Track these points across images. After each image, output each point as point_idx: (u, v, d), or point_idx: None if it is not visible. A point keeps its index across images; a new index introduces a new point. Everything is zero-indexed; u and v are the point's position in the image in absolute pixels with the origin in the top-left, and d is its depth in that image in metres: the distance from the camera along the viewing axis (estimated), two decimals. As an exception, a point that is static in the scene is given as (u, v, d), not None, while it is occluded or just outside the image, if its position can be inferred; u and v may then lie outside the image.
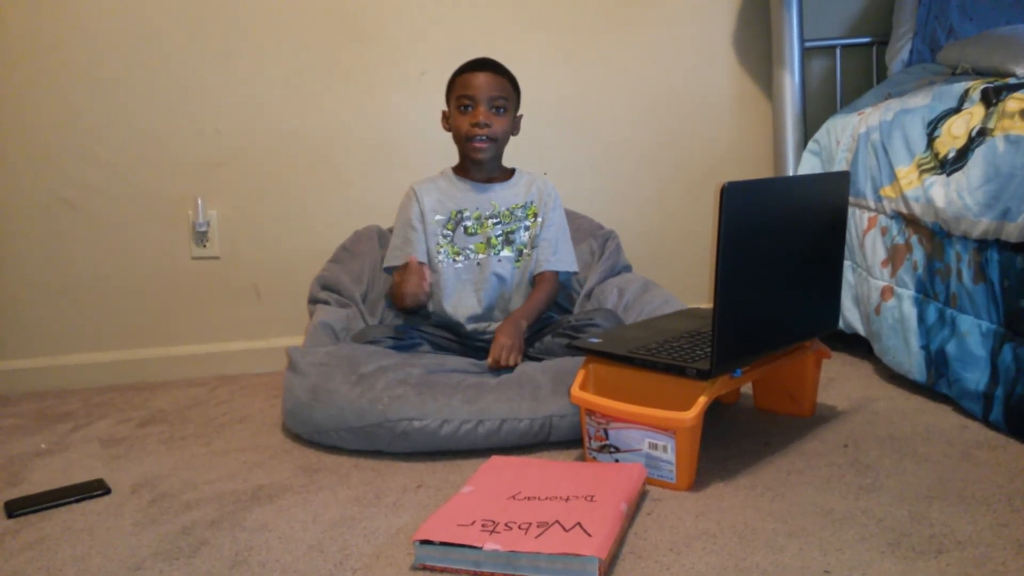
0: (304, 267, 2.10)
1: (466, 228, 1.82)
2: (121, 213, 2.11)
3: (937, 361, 1.56)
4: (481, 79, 1.74)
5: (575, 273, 1.91)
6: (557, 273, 1.85)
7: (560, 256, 1.85)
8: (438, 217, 1.82)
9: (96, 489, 1.36)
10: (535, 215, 1.85)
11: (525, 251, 1.84)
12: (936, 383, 1.57)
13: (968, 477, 1.24)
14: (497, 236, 1.82)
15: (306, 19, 2.13)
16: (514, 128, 1.82)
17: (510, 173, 1.88)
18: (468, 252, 1.81)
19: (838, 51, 2.28)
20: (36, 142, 2.06)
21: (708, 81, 2.30)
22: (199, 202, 2.12)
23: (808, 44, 2.19)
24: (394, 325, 1.88)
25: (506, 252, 1.83)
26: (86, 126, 2.08)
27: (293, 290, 2.13)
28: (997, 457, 1.31)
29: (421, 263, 1.73)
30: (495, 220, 1.82)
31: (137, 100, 2.09)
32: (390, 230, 2.14)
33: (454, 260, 1.81)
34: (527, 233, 1.84)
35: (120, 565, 1.12)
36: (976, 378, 1.46)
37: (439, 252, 1.81)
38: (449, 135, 1.83)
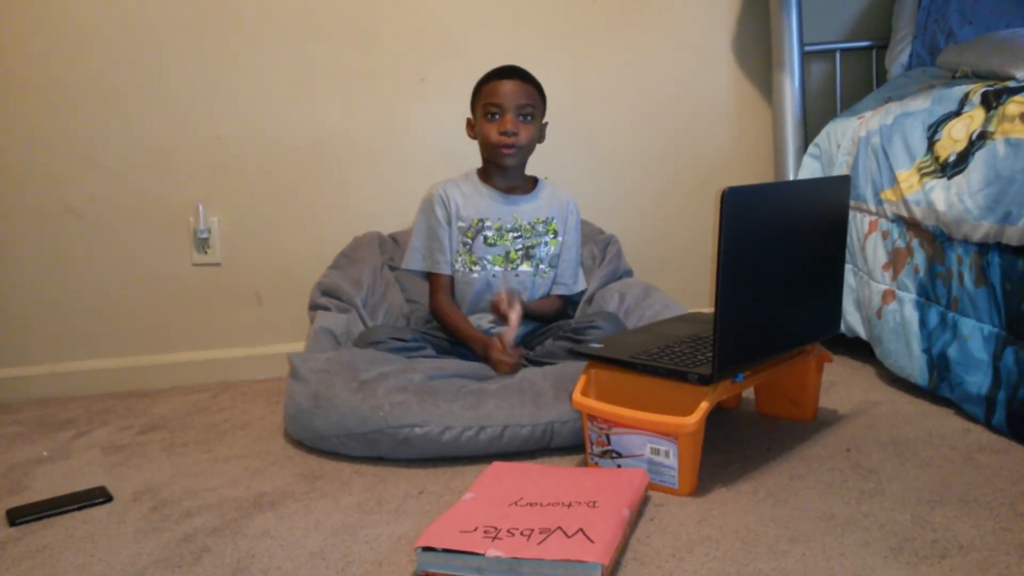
0: (305, 273, 2.10)
1: (486, 238, 1.79)
2: (123, 220, 2.11)
3: (939, 365, 1.56)
4: (508, 87, 1.73)
5: (585, 290, 1.93)
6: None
7: (578, 278, 1.88)
8: (460, 224, 1.80)
9: (98, 496, 1.36)
10: (555, 232, 1.84)
11: (542, 267, 1.83)
12: (938, 387, 1.57)
13: (971, 481, 1.24)
14: (517, 250, 1.80)
15: (307, 26, 2.13)
16: (540, 135, 1.80)
17: (532, 183, 1.86)
18: (485, 263, 1.79)
19: (838, 55, 2.28)
20: (38, 149, 2.07)
21: (708, 85, 2.31)
22: (200, 208, 2.12)
23: (808, 48, 2.19)
24: (397, 326, 1.89)
25: (524, 267, 1.81)
26: (88, 133, 2.08)
27: (294, 296, 2.13)
28: (1000, 461, 1.31)
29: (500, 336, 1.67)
30: (516, 234, 1.81)
31: (138, 106, 2.09)
32: (391, 236, 2.14)
33: (470, 270, 1.79)
34: (547, 249, 1.83)
35: (122, 573, 1.12)
36: (978, 382, 1.46)
37: (456, 260, 1.80)
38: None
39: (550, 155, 2.19)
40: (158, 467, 1.51)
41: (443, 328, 1.79)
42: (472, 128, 1.81)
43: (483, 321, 1.79)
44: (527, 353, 1.75)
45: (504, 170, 1.80)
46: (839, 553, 1.05)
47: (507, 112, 1.72)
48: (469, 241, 1.80)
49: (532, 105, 1.75)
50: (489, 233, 1.80)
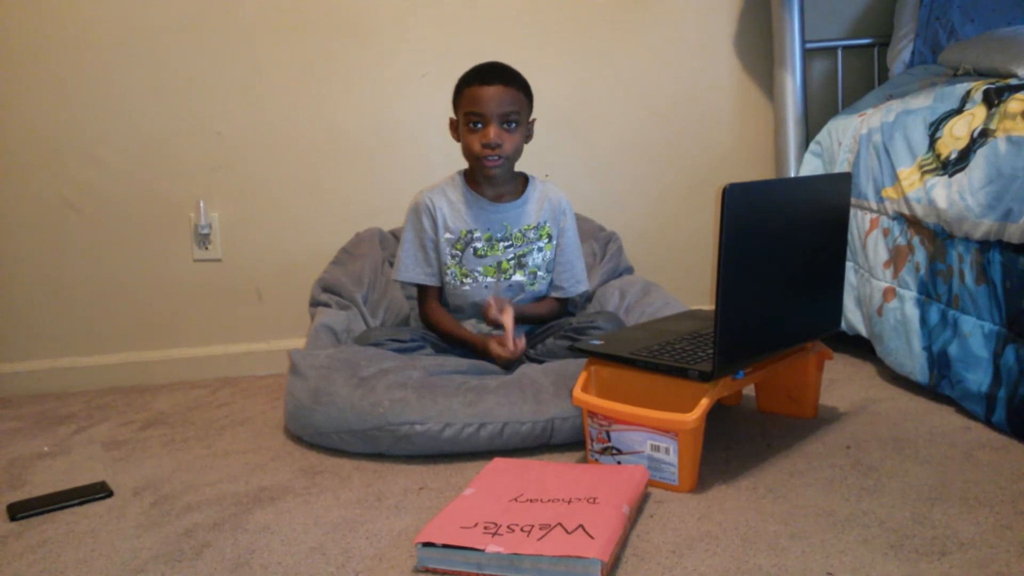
0: (305, 269, 2.10)
1: (476, 250, 1.74)
2: (123, 215, 2.11)
3: (939, 362, 1.56)
4: (490, 94, 1.63)
5: (587, 291, 1.90)
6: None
7: (577, 277, 1.82)
8: (447, 235, 1.75)
9: (98, 492, 1.37)
10: (548, 236, 1.79)
11: (539, 273, 1.78)
12: (938, 384, 1.57)
13: (971, 479, 1.24)
14: (509, 260, 1.75)
15: (307, 21, 2.13)
16: (527, 136, 1.73)
17: (522, 185, 1.79)
18: (476, 275, 1.75)
19: (839, 52, 2.28)
20: (38, 144, 2.07)
21: (709, 83, 2.30)
22: (201, 204, 2.12)
23: (809, 45, 2.19)
24: (395, 327, 1.88)
25: (518, 276, 1.76)
26: (88, 129, 2.08)
27: (295, 292, 2.13)
28: (1000, 458, 1.31)
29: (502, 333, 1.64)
30: (507, 244, 1.75)
31: (139, 102, 2.09)
32: (392, 232, 2.14)
33: (461, 282, 1.75)
34: (540, 255, 1.78)
35: (122, 568, 1.12)
36: (978, 379, 1.46)
37: (447, 272, 1.76)
38: (447, 135, 1.79)
39: (551, 153, 2.20)
40: (158, 462, 1.52)
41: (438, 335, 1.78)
42: (455, 130, 1.73)
43: (482, 326, 1.78)
44: (529, 352, 1.75)
45: (490, 179, 1.73)
46: (839, 550, 1.05)
47: (490, 122, 1.64)
48: (459, 253, 1.75)
49: (516, 111, 1.65)
50: (479, 245, 1.74)
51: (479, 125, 1.66)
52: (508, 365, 1.65)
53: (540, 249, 1.79)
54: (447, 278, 1.77)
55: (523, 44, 2.20)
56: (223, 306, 2.18)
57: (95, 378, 2.12)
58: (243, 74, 2.12)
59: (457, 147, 1.77)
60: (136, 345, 2.15)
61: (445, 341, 1.76)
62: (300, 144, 2.16)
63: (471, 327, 1.78)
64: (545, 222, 1.79)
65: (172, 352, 2.16)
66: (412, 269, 1.77)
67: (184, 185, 2.13)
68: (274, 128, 2.15)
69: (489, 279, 1.76)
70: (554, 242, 1.81)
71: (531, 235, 1.78)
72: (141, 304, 2.15)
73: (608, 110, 2.27)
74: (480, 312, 1.76)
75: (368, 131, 2.18)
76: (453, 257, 1.75)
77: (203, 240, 2.15)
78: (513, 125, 1.67)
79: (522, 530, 1.06)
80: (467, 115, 1.67)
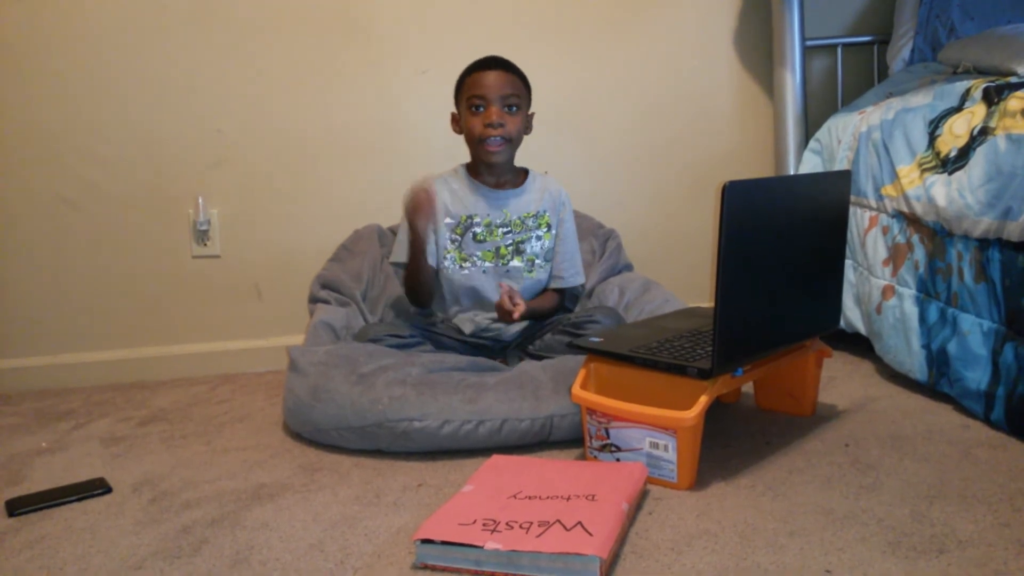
0: (305, 266, 2.10)
1: (475, 235, 1.77)
2: (122, 212, 2.11)
3: (938, 360, 1.56)
4: (492, 78, 1.69)
5: (584, 284, 1.92)
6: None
7: (576, 268, 1.84)
8: (448, 220, 1.78)
9: (97, 488, 1.37)
10: (548, 226, 1.81)
11: (537, 262, 1.80)
12: (937, 382, 1.57)
13: (969, 476, 1.24)
14: (507, 246, 1.78)
15: (307, 18, 2.13)
16: (526, 127, 1.77)
17: (523, 177, 1.83)
18: (475, 259, 1.77)
19: (839, 50, 2.28)
20: (38, 141, 2.07)
21: (709, 80, 2.30)
22: (200, 201, 2.12)
23: (809, 43, 2.19)
24: (395, 322, 1.88)
25: (515, 262, 1.78)
26: (87, 125, 2.08)
27: (294, 289, 2.13)
28: (998, 456, 1.31)
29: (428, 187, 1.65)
30: (505, 229, 1.78)
31: (138, 99, 2.09)
32: (390, 229, 2.14)
33: (460, 267, 1.77)
34: (539, 243, 1.80)
35: (121, 564, 1.12)
36: (977, 377, 1.46)
37: (446, 257, 1.78)
38: (452, 134, 1.81)
39: (551, 152, 2.20)
40: (157, 459, 1.52)
41: (418, 290, 1.76)
42: (457, 123, 1.78)
43: (480, 318, 1.79)
44: (528, 347, 1.75)
45: (493, 166, 1.76)
46: (837, 547, 1.05)
47: (492, 104, 1.69)
48: (458, 238, 1.77)
49: (517, 95, 1.71)
50: (478, 230, 1.77)
51: (481, 108, 1.70)
52: (504, 319, 1.68)
53: (539, 237, 1.80)
54: (446, 263, 1.78)
55: (523, 43, 2.19)
56: (222, 303, 2.18)
57: (94, 374, 2.12)
58: (243, 71, 2.12)
59: (458, 144, 1.78)
60: (135, 341, 2.15)
61: (414, 279, 1.75)
62: (299, 141, 2.16)
63: (469, 319, 1.79)
64: (545, 211, 1.81)
65: (171, 348, 2.16)
66: (408, 251, 1.78)
67: (183, 181, 2.12)
68: (274, 125, 2.14)
69: (488, 264, 1.77)
70: (553, 231, 1.82)
71: (530, 223, 1.80)
72: (140, 300, 2.15)
73: (608, 109, 2.27)
74: (478, 300, 1.78)
75: (367, 128, 2.18)
76: (453, 242, 1.77)
77: (202, 236, 2.14)
78: (514, 109, 1.71)
79: (521, 527, 1.06)
80: (469, 99, 1.71)
